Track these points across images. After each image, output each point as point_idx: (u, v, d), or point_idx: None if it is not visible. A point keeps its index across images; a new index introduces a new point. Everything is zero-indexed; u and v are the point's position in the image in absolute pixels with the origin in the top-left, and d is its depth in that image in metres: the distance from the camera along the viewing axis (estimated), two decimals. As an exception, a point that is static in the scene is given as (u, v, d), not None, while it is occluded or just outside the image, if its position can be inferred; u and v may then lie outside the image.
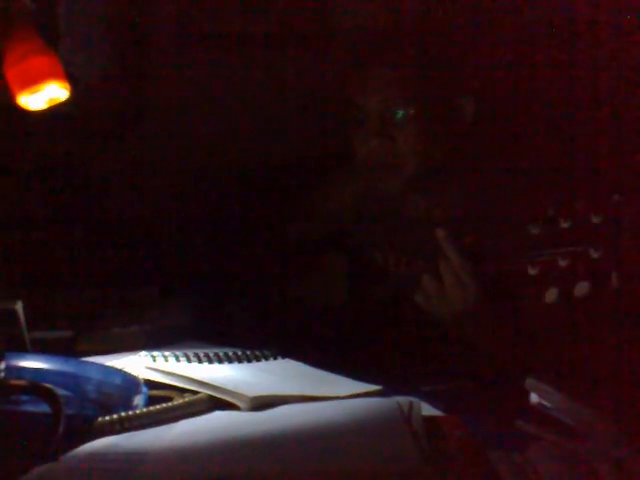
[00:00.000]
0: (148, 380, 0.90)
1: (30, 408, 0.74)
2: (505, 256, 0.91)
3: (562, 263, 0.82)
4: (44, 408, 0.71)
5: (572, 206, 0.83)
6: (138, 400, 0.84)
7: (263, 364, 1.01)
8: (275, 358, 1.03)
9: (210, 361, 0.98)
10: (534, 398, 0.79)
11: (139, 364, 0.94)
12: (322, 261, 1.30)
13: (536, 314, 0.94)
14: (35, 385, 0.72)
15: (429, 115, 1.13)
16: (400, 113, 1.12)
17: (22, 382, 0.72)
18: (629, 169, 1.11)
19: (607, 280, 0.80)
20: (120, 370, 0.88)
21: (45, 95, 0.97)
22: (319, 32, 1.54)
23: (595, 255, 0.81)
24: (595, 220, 0.81)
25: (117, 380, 0.84)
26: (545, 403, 0.78)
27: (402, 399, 0.83)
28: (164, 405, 0.83)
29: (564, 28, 1.24)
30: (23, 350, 0.96)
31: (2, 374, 0.68)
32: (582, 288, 0.81)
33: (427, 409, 0.83)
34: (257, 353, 1.03)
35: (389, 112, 1.12)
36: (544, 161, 1.18)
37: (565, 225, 0.83)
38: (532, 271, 0.85)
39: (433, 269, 1.00)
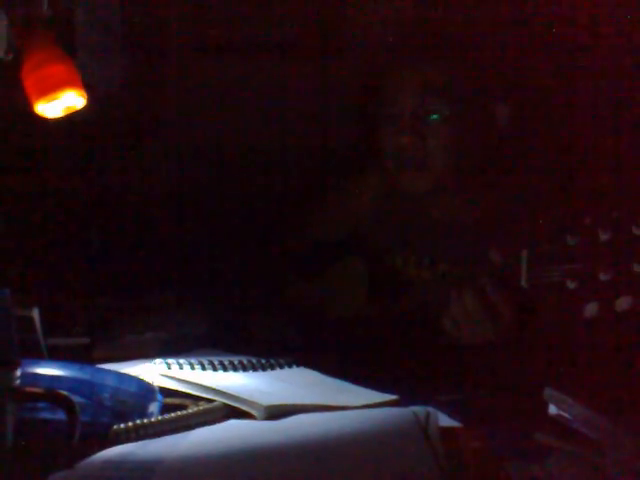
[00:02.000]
0: (163, 388, 0.90)
1: (46, 415, 0.74)
2: (542, 268, 0.87)
3: (603, 277, 0.78)
4: (60, 415, 0.71)
5: (610, 217, 0.79)
6: (153, 408, 0.83)
7: (278, 372, 1.01)
8: (290, 367, 1.03)
9: (225, 369, 0.98)
10: (553, 409, 0.78)
11: (154, 372, 0.94)
12: (341, 265, 1.29)
13: (573, 330, 0.90)
14: (51, 392, 0.72)
15: (463, 118, 1.12)
16: (434, 115, 1.12)
17: (38, 389, 0.72)
18: None
19: None
20: (135, 377, 0.88)
21: (62, 103, 0.97)
22: (339, 34, 1.54)
23: (638, 269, 0.76)
24: (636, 232, 0.77)
25: (132, 387, 0.84)
26: (564, 414, 0.77)
27: (419, 409, 0.83)
28: (179, 413, 0.82)
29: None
30: (39, 357, 0.96)
31: (18, 381, 0.68)
32: (624, 303, 0.77)
33: (444, 419, 0.82)
34: (272, 361, 1.02)
35: (423, 111, 1.12)
36: (581, 169, 1.16)
37: (604, 237, 0.78)
38: (571, 285, 0.81)
39: (461, 295, 0.96)
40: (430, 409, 0.83)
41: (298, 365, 1.03)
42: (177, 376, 0.93)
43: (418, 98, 1.13)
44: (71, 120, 1.01)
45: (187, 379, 0.92)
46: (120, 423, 0.78)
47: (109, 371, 0.88)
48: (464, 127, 1.14)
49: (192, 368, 0.96)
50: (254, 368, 1.00)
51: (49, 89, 0.95)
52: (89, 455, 0.72)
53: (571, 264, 0.81)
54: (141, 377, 0.89)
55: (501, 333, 0.95)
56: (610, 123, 1.18)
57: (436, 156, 1.13)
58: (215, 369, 0.97)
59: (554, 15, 1.24)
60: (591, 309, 0.79)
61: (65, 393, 0.72)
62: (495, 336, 0.95)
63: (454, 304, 0.98)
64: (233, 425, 0.84)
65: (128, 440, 0.77)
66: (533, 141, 1.19)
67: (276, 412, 0.84)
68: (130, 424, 0.78)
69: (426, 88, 1.13)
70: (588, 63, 1.21)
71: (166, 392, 0.89)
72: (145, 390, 0.85)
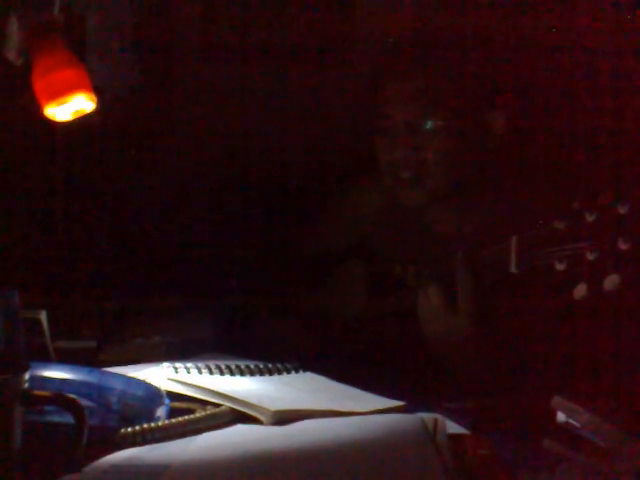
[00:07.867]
0: (170, 392, 0.90)
1: (54, 419, 0.74)
2: (530, 253, 0.88)
3: (590, 257, 0.79)
4: (68, 419, 0.71)
5: (596, 198, 0.79)
6: (160, 412, 0.83)
7: (285, 377, 1.01)
8: (297, 372, 1.03)
9: (232, 374, 0.98)
10: (561, 417, 0.77)
11: (161, 375, 0.94)
12: (341, 272, 1.29)
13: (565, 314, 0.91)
14: (59, 396, 0.72)
15: (457, 129, 1.12)
16: (428, 125, 1.12)
17: (46, 393, 0.72)
18: None
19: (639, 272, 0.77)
20: (142, 381, 0.88)
21: (72, 107, 0.97)
22: (343, 43, 1.55)
23: (624, 246, 0.77)
24: (622, 211, 0.77)
25: (140, 391, 0.84)
26: (572, 422, 0.76)
27: (426, 416, 0.83)
28: (186, 417, 0.82)
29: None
30: (47, 360, 0.96)
31: (27, 384, 0.68)
32: (612, 281, 0.78)
33: (452, 426, 0.82)
34: (279, 366, 1.02)
35: (416, 123, 1.12)
36: (565, 155, 1.16)
37: (591, 218, 0.79)
38: (560, 266, 0.82)
39: (427, 291, 0.99)
40: (438, 416, 0.82)
41: (305, 370, 1.03)
42: (184, 380, 0.93)
43: (411, 110, 1.12)
44: (80, 123, 1.01)
45: (194, 383, 0.92)
46: (127, 427, 0.77)
47: (117, 375, 0.88)
48: (459, 138, 1.13)
49: (199, 372, 0.96)
50: (261, 373, 1.00)
51: (59, 93, 0.95)
52: (96, 459, 0.72)
53: (559, 246, 0.81)
54: (148, 381, 0.89)
55: (461, 328, 0.96)
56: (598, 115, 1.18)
57: (431, 168, 1.12)
58: (222, 373, 0.97)
59: (551, 24, 1.24)
60: (580, 290, 0.80)
61: (73, 397, 0.71)
62: (455, 331, 0.96)
63: (422, 300, 1.00)
64: (240, 430, 0.83)
65: (135, 444, 0.77)
66: (526, 144, 1.18)
67: (283, 417, 0.84)
68: (137, 428, 0.78)
69: (420, 99, 1.12)
70: (584, 71, 1.21)
71: (173, 396, 0.89)
72: (152, 394, 0.85)
